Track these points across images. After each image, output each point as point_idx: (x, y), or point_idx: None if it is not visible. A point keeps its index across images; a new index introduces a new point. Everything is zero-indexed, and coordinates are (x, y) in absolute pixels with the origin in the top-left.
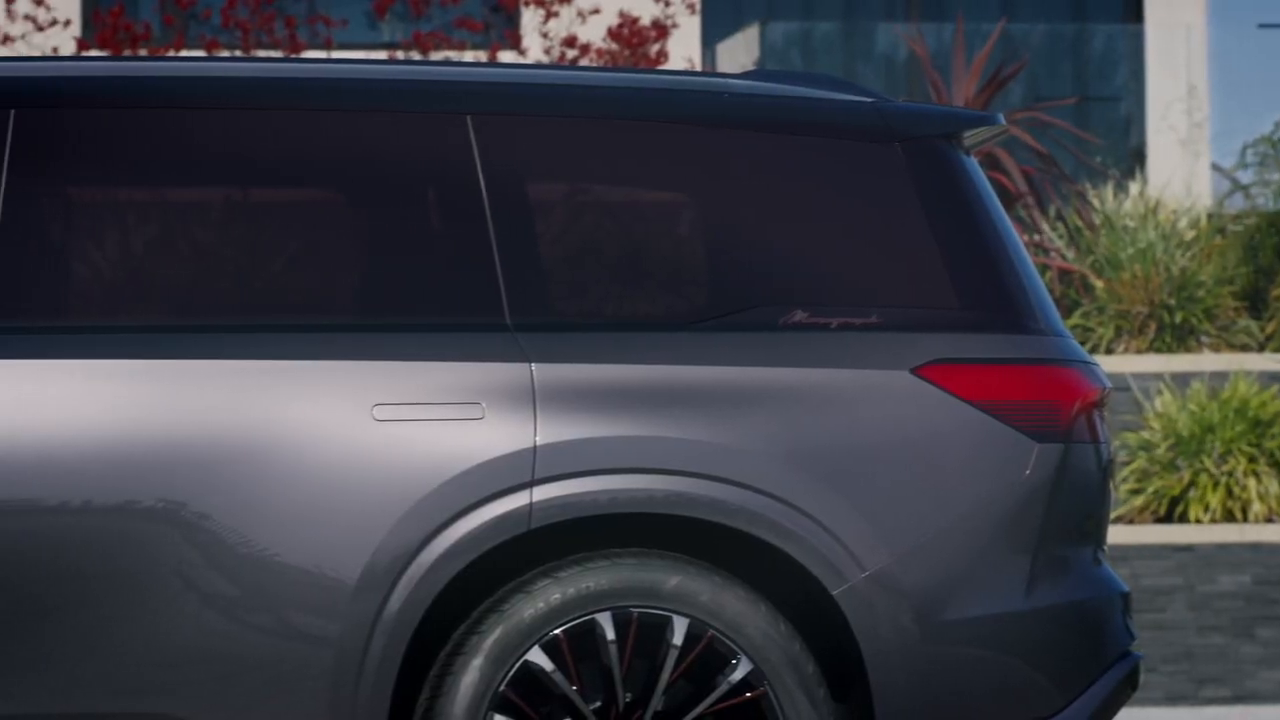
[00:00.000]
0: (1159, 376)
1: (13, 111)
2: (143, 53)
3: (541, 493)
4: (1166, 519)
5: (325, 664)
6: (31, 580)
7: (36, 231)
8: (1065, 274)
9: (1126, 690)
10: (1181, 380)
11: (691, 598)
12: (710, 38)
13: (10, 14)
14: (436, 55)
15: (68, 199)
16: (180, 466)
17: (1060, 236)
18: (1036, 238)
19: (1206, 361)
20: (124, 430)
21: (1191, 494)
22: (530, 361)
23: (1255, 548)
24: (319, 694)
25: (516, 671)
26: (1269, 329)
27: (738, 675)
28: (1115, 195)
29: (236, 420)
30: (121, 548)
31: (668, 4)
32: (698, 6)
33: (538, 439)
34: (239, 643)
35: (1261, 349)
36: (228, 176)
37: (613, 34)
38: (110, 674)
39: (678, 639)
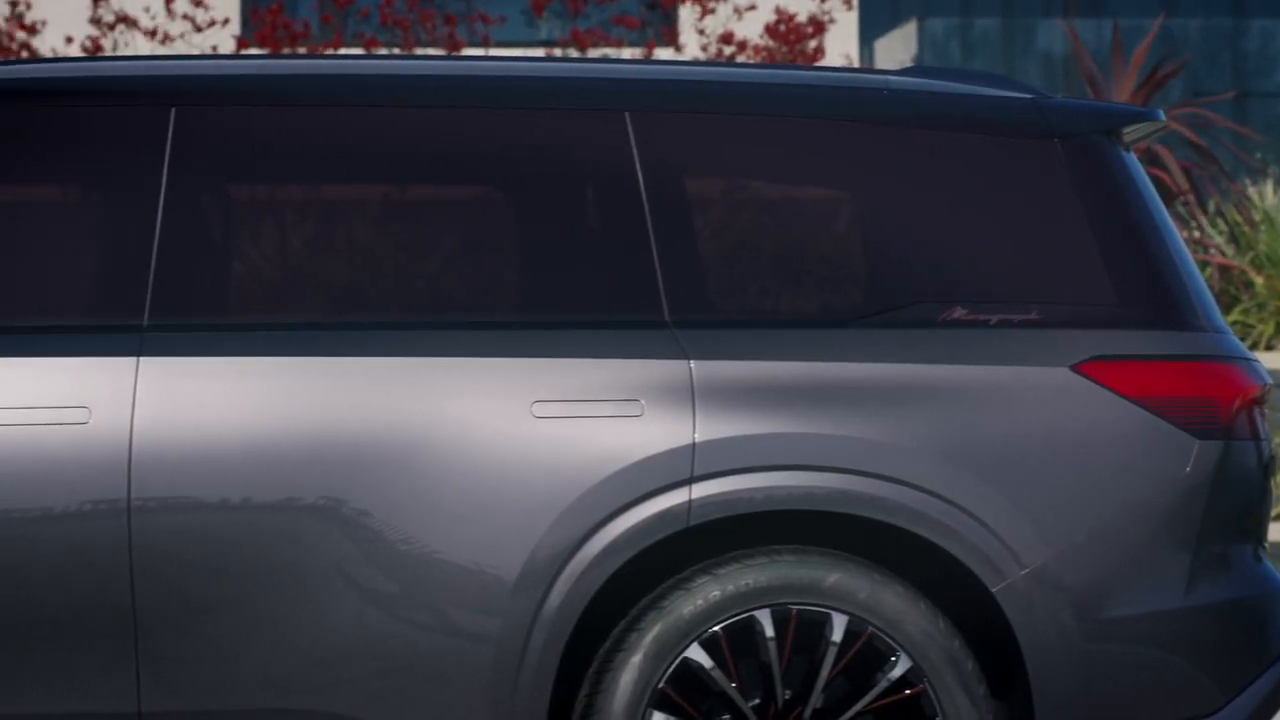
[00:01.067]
0: None
1: (173, 109)
2: (301, 51)
3: (700, 490)
4: None
5: (484, 660)
6: (192, 577)
7: (196, 229)
8: (1225, 270)
9: None
10: None
11: (850, 594)
12: (868, 34)
13: (170, 13)
14: (594, 53)
15: (227, 197)
16: (341, 463)
17: (1220, 233)
18: (1196, 234)
19: None
20: (285, 428)
21: None
22: (689, 359)
23: None
24: (478, 690)
25: (675, 668)
26: None
27: (897, 672)
28: (1275, 191)
29: (397, 417)
30: (282, 545)
31: (824, 0)
32: (855, 3)
33: (696, 436)
34: (398, 639)
35: None
36: (386, 174)
37: (770, 30)
38: (269, 671)
39: (837, 636)
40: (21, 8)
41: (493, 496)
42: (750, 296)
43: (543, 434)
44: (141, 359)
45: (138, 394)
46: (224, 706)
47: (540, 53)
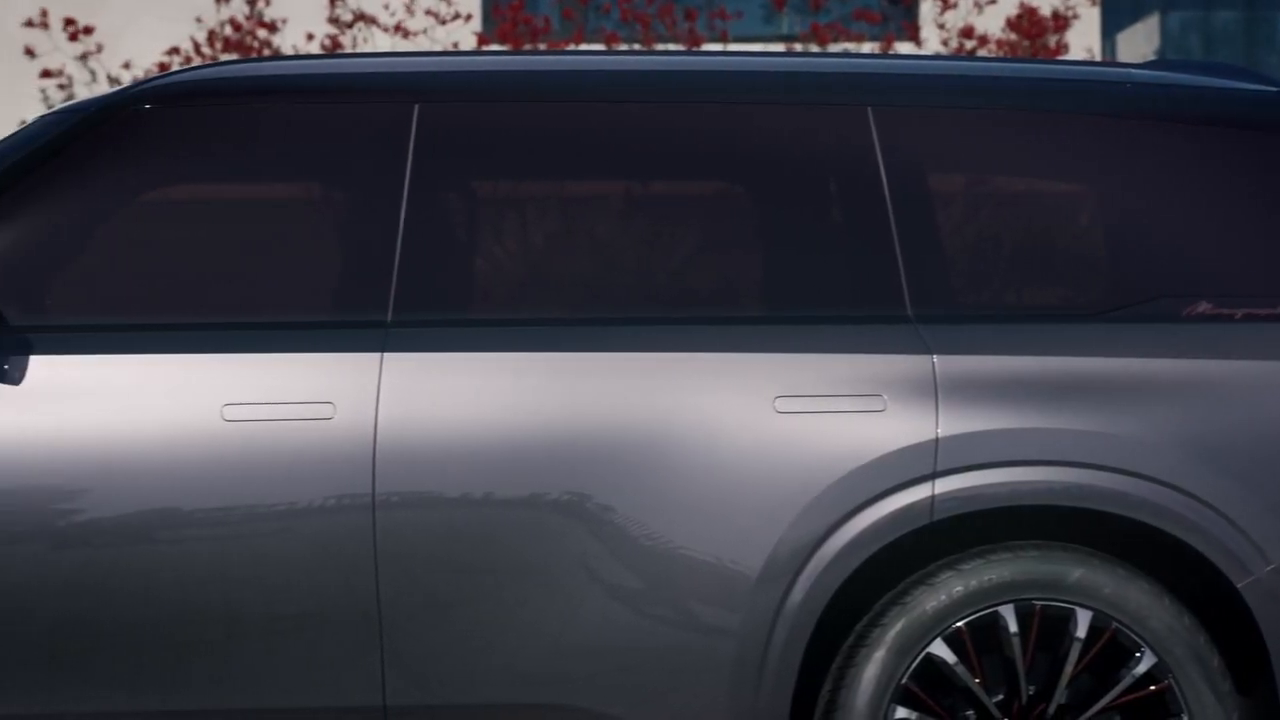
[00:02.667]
0: None
1: (416, 106)
2: (542, 47)
3: (943, 485)
4: None
5: (727, 656)
6: (437, 572)
7: (439, 225)
8: None
9: None
10: None
11: (1095, 590)
12: (1110, 28)
13: (410, 9)
14: (833, 48)
15: (470, 193)
16: (584, 459)
17: None
18: None
19: None
20: (529, 423)
21: None
22: (932, 353)
23: None
24: (721, 685)
25: (919, 664)
26: None
27: (1141, 668)
28: None
29: (639, 413)
30: (526, 540)
31: None
32: None
33: (940, 431)
34: (642, 634)
35: None
36: (628, 170)
37: (1011, 24)
38: (514, 666)
39: (1081, 632)
40: (261, 5)
41: (735, 492)
42: (992, 291)
43: (786, 429)
44: (385, 355)
45: (382, 390)
46: (468, 701)
47: (779, 48)
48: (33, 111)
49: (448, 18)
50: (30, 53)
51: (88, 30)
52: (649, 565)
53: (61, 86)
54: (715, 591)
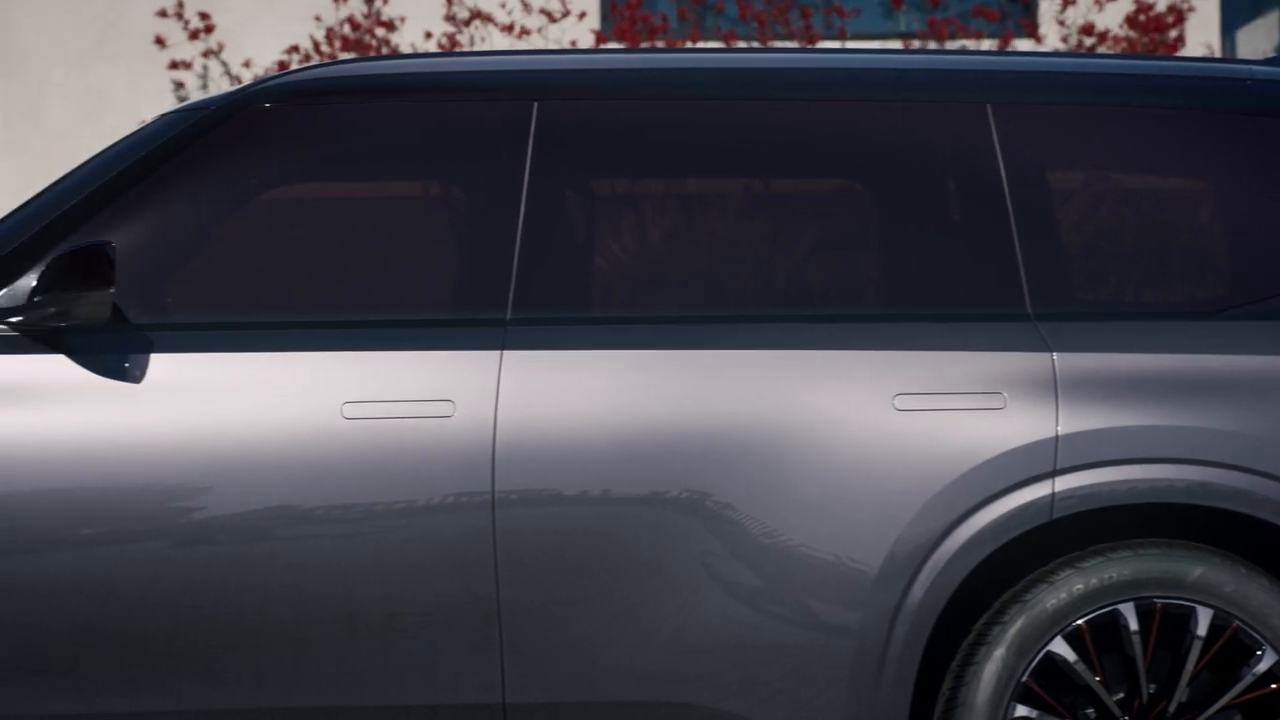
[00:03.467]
0: None
1: (536, 104)
2: (659, 44)
3: (1063, 483)
4: None
5: (846, 654)
6: (556, 570)
7: (558, 223)
8: None
9: None
10: None
11: (1215, 588)
12: (1229, 23)
13: (527, 7)
14: (951, 44)
15: (589, 190)
16: (703, 456)
17: None
18: None
19: None
20: (648, 421)
21: None
22: (1052, 351)
23: None
24: (840, 683)
25: (1039, 662)
26: None
27: (1263, 667)
28: None
29: (758, 410)
30: (645, 538)
31: None
32: None
33: (1059, 429)
34: (761, 632)
35: None
36: (746, 167)
37: (1130, 21)
38: (633, 664)
39: (1201, 630)
40: (380, 4)
41: (855, 489)
42: (1112, 288)
43: (905, 426)
44: (505, 353)
45: (501, 387)
46: (588, 698)
47: (897, 45)
48: (154, 104)
49: (559, 15)
50: (161, 42)
51: (209, 29)
52: (768, 563)
53: (199, 77)
54: (834, 589)
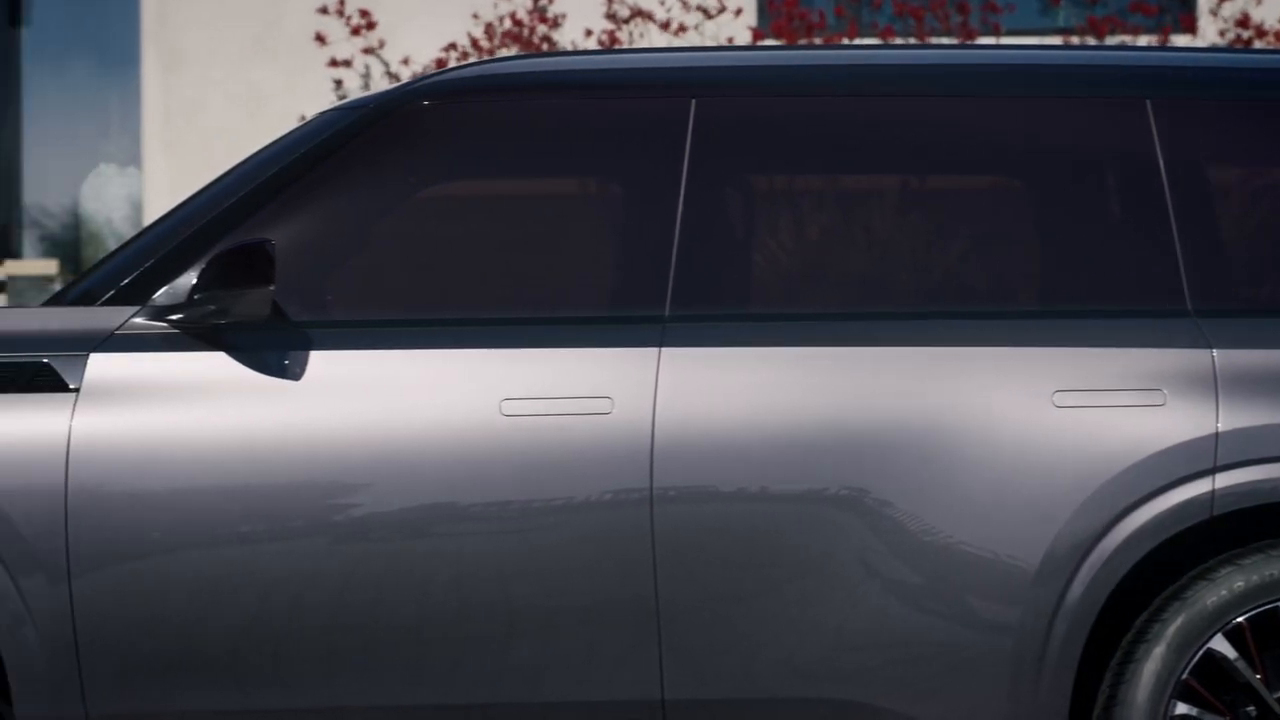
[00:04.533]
0: None
1: (693, 101)
2: (816, 41)
3: (1224, 480)
4: None
5: (1005, 651)
6: (714, 567)
7: (716, 220)
8: None
9: None
10: None
11: None
12: None
13: (685, 4)
14: (1110, 40)
15: (746, 187)
16: (862, 453)
17: None
18: None
19: None
20: (806, 417)
21: None
22: (1212, 348)
23: None
24: (999, 681)
25: (1199, 659)
26: None
27: None
28: None
29: (917, 407)
30: (804, 535)
31: None
32: None
33: (1219, 425)
34: (920, 629)
35: None
36: (904, 164)
37: None
38: (793, 660)
39: None
40: (544, 1)
41: (1013, 486)
42: (1273, 284)
43: (1064, 423)
44: (663, 349)
45: (659, 384)
46: (747, 695)
47: (1054, 41)
48: (312, 103)
49: (715, 13)
50: (321, 39)
51: (370, 25)
52: (927, 560)
53: (361, 75)
54: (994, 587)
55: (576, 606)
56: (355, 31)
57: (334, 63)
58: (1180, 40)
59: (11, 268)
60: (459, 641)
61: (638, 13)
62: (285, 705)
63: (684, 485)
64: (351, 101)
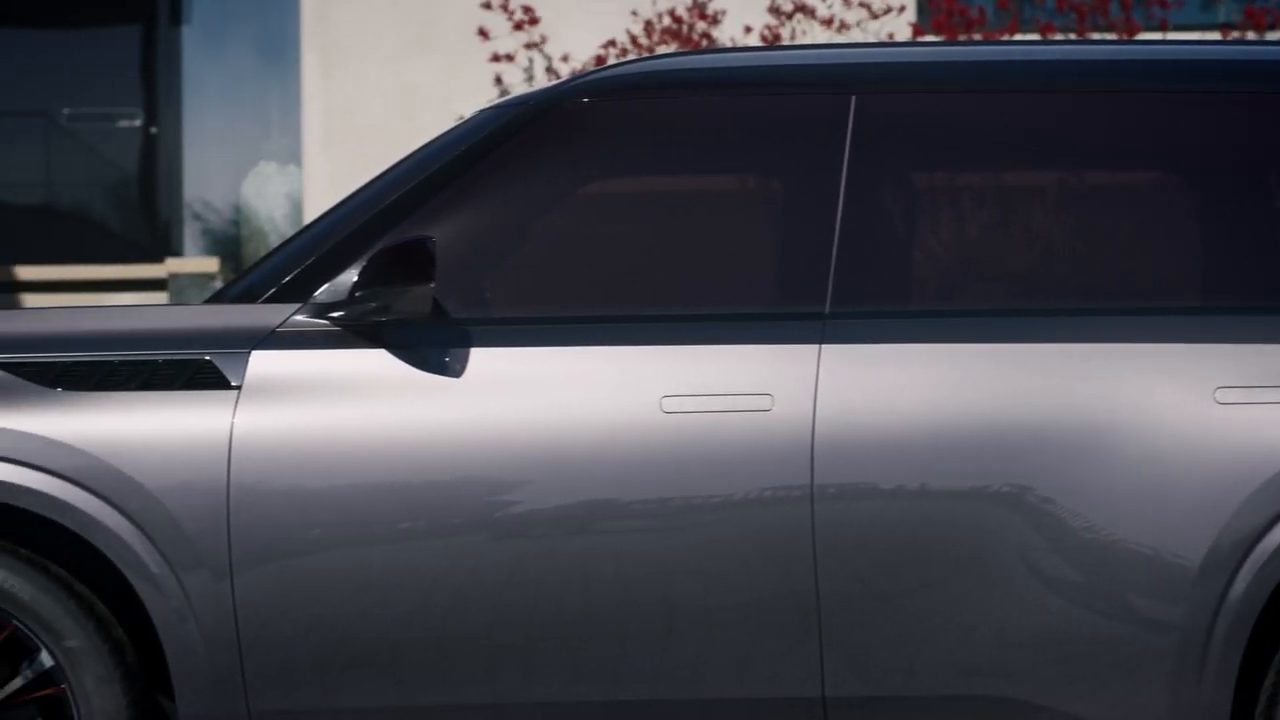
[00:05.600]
0: None
1: (853, 97)
2: (977, 37)
3: None
4: None
5: (1168, 649)
6: (875, 564)
7: (876, 216)
8: None
9: None
10: None
11: None
12: None
13: (847, 1)
14: (1272, 34)
15: (906, 183)
16: (1023, 450)
17: None
18: None
19: None
20: (967, 414)
21: None
22: None
23: None
24: (1161, 678)
25: None
26: None
27: None
28: None
29: (1078, 403)
30: (965, 532)
31: None
32: None
33: None
34: (1082, 626)
35: None
36: (1063, 160)
37: None
38: (954, 657)
39: None
40: None
41: (1175, 483)
42: None
43: (1227, 420)
44: (823, 346)
45: (820, 381)
46: (909, 692)
47: (1214, 35)
48: (470, 100)
49: (880, 12)
50: (484, 34)
51: (532, 21)
52: (1088, 558)
53: (525, 71)
54: (1156, 584)
55: (737, 604)
56: (518, 27)
57: (495, 58)
58: None
59: (173, 265)
60: (620, 639)
61: (800, 8)
62: (445, 702)
63: (844, 482)
64: (511, 99)
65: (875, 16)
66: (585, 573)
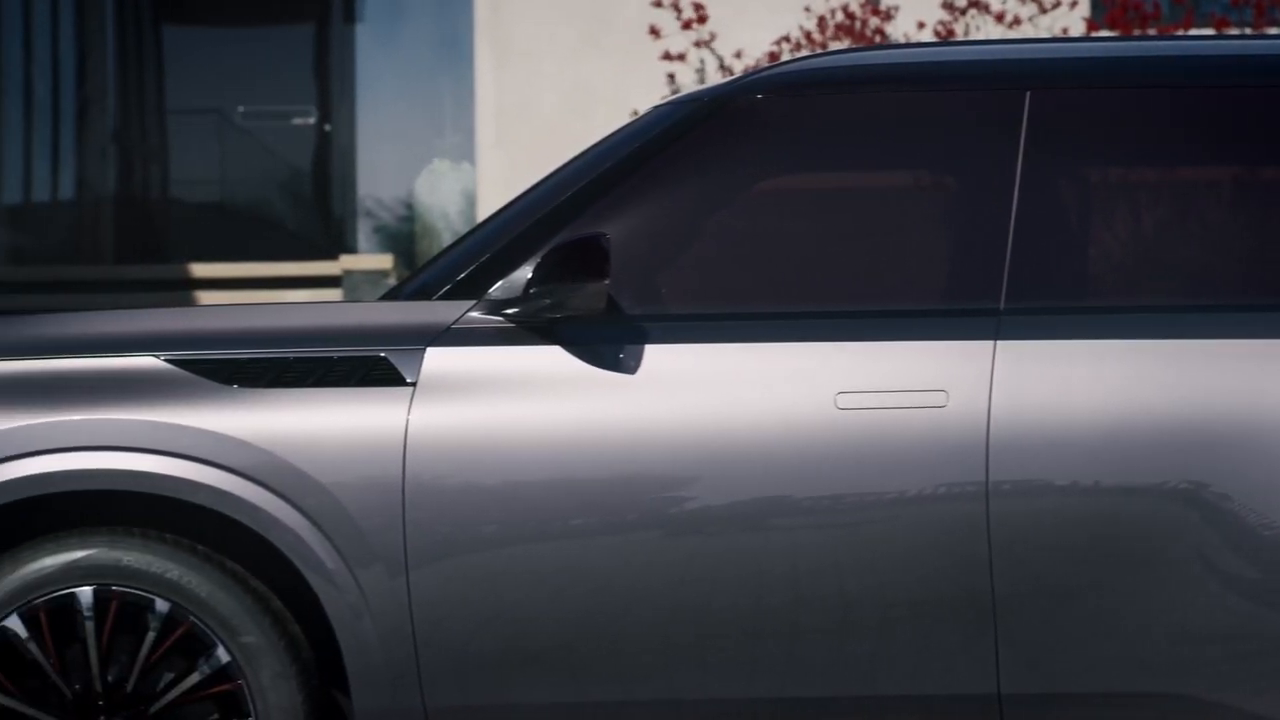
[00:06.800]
0: None
1: (1028, 93)
2: (1151, 32)
3: None
4: None
5: None
6: (1052, 561)
7: (1052, 212)
8: None
9: None
10: None
11: None
12: None
13: None
14: None
15: (1081, 179)
16: (1200, 447)
17: None
18: None
19: None
20: (1144, 411)
21: None
22: None
23: None
24: None
25: None
26: None
27: None
28: None
29: (1256, 399)
30: (1143, 528)
31: None
32: None
33: None
34: (1259, 623)
35: None
36: (1237, 155)
37: None
38: (1131, 654)
39: None
40: None
41: None
42: None
43: None
44: (998, 342)
45: (995, 377)
46: (1085, 689)
47: None
48: (642, 97)
49: (1051, 6)
50: (655, 32)
51: (701, 19)
52: (1266, 554)
53: (696, 71)
54: None
55: (911, 600)
56: (686, 25)
57: (666, 56)
58: None
59: (347, 263)
60: (794, 635)
61: (974, 4)
62: (620, 698)
63: (1020, 479)
64: (684, 96)
65: (1044, 10)
66: (759, 569)
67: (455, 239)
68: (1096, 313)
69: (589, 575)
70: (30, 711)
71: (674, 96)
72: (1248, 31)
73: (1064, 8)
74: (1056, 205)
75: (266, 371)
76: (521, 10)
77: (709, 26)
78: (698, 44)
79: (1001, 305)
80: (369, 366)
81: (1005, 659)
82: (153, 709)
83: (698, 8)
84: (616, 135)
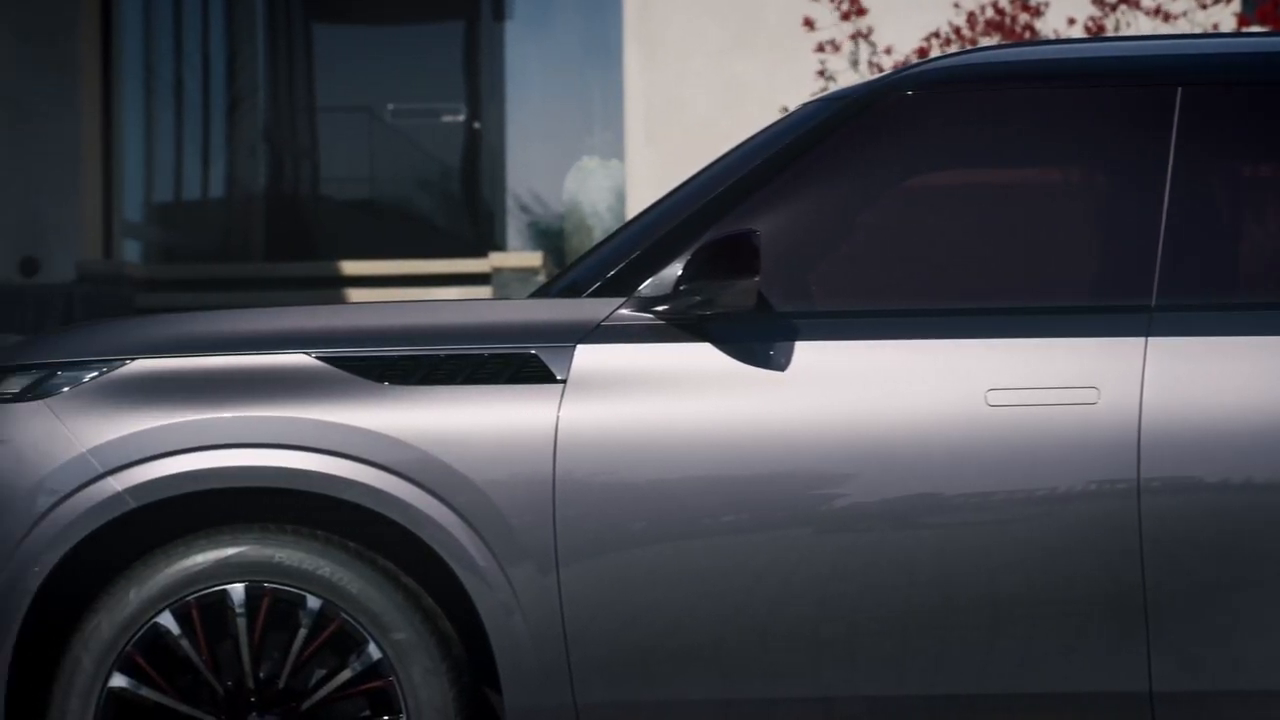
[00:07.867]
0: None
1: (1179, 89)
2: None
3: None
4: None
5: None
6: (1204, 558)
7: (1204, 208)
8: None
9: None
10: None
11: None
12: None
13: None
14: None
15: (1234, 175)
16: None
17: None
18: None
19: None
20: None
21: None
22: None
23: None
24: None
25: None
26: None
27: None
28: None
29: None
30: None
31: None
32: None
33: None
34: None
35: None
36: None
37: None
38: None
39: None
40: None
41: None
42: None
43: None
44: (1150, 339)
45: (1146, 374)
46: (1240, 687)
47: None
48: (792, 93)
49: (1209, 1)
50: (810, 24)
51: (859, 11)
52: None
53: (851, 63)
54: None
55: (1062, 597)
56: (845, 17)
57: (820, 47)
58: None
59: (496, 260)
60: (944, 633)
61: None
62: (770, 695)
63: (1172, 476)
64: (835, 93)
65: (1205, 6)
66: (909, 567)
67: (605, 236)
68: (1248, 309)
69: (739, 572)
70: (182, 708)
71: (823, 94)
72: None
73: (1218, 4)
74: (1208, 202)
75: (417, 369)
76: (671, 7)
77: (866, 20)
78: (854, 36)
79: (1153, 302)
80: (519, 364)
81: (1158, 657)
82: (304, 705)
83: (854, 0)
84: (765, 132)
